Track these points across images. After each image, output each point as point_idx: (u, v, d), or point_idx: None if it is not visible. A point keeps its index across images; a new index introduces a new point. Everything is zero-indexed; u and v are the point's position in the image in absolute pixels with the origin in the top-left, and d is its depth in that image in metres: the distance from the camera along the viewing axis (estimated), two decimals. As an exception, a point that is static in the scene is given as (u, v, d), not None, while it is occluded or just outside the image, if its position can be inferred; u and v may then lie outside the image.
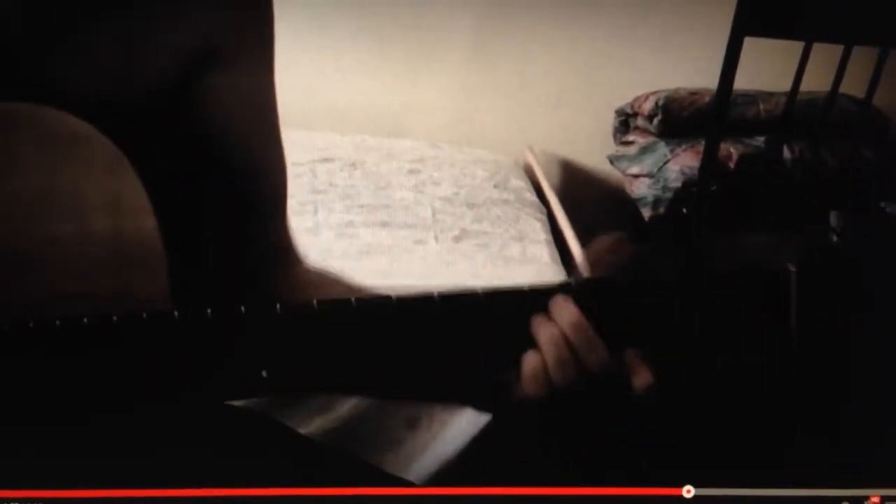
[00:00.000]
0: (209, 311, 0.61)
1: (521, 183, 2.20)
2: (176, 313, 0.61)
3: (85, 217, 0.63)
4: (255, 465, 0.66)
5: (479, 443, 0.75)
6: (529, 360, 0.63)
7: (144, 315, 0.61)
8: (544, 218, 2.04)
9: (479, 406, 0.73)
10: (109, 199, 0.64)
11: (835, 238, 0.63)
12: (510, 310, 0.64)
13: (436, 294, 0.63)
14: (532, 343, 0.63)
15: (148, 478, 0.64)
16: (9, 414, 0.61)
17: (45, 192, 0.63)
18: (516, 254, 1.83)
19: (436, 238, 1.86)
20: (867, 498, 0.66)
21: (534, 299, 0.64)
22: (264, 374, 0.61)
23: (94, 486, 0.63)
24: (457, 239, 1.87)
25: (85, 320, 0.60)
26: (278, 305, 0.62)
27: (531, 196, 2.14)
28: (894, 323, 0.62)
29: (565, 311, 0.63)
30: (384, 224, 1.89)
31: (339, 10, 2.33)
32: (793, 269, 0.62)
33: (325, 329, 0.62)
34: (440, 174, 2.16)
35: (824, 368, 0.62)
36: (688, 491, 0.65)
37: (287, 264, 0.80)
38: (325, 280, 0.80)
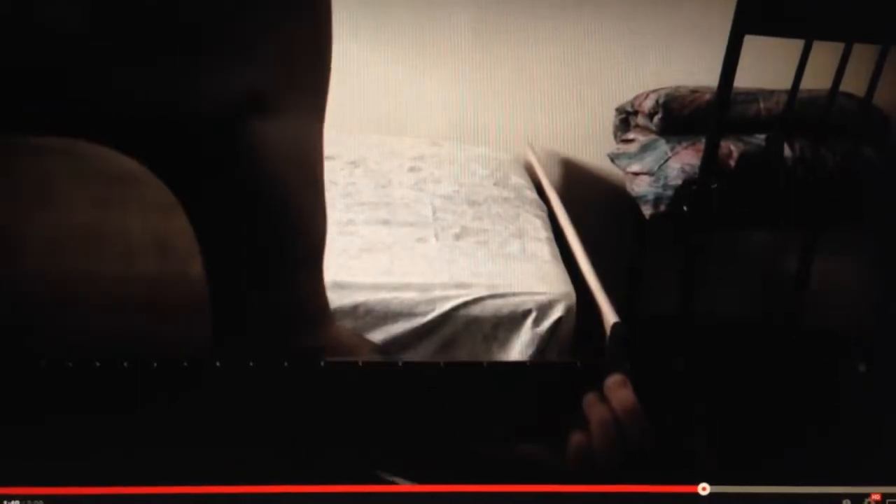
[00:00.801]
0: (251, 363, 0.62)
1: (521, 180, 2.20)
2: (218, 363, 0.61)
3: (131, 257, 0.62)
4: (254, 464, 0.66)
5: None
6: (577, 440, 0.63)
7: (185, 363, 0.61)
8: (544, 215, 2.04)
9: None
10: (158, 241, 0.62)
11: None
12: (550, 382, 0.64)
13: (484, 363, 0.64)
14: (567, 418, 0.63)
15: (147, 476, 0.63)
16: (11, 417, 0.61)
17: (93, 230, 0.62)
18: (516, 251, 1.83)
19: (436, 236, 1.86)
20: (868, 495, 0.65)
21: (577, 376, 0.64)
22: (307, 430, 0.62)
23: (94, 484, 0.63)
24: (457, 236, 1.86)
25: (125, 364, 0.60)
26: (322, 363, 0.62)
27: (531, 194, 2.14)
28: None
29: (621, 395, 0.63)
30: (385, 222, 1.88)
31: (339, 7, 2.33)
32: (862, 369, 0.61)
33: (367, 389, 0.62)
34: (441, 172, 2.16)
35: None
36: (703, 488, 0.65)
37: (318, 324, 0.78)
38: (358, 343, 0.79)
